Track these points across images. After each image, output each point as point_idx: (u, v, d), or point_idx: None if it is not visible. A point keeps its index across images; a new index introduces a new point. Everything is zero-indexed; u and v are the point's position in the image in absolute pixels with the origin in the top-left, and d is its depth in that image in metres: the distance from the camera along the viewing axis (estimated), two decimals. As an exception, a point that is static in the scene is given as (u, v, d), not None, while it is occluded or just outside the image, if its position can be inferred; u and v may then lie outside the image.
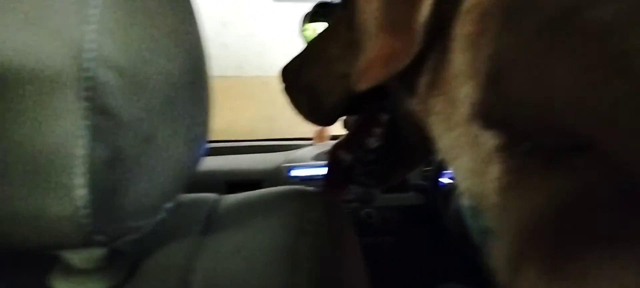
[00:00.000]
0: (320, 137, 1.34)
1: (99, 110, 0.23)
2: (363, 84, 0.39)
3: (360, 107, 0.55)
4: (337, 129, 0.74)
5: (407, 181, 1.11)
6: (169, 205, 0.30)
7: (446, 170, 1.05)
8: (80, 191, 0.23)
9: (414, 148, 0.56)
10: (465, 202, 0.92)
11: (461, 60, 0.32)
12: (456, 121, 0.35)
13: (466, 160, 0.35)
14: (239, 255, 0.34)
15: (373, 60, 0.37)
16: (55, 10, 0.22)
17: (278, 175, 1.08)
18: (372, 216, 1.10)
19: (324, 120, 0.55)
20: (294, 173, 1.09)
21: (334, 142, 0.61)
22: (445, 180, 1.07)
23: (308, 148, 1.24)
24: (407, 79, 0.38)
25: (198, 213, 0.40)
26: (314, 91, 0.52)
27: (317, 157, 1.14)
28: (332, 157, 0.58)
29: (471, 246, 0.90)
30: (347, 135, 0.59)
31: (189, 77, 0.28)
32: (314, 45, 0.55)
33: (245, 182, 1.01)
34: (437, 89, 0.36)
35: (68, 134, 0.22)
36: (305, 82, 0.53)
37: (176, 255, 0.34)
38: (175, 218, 0.38)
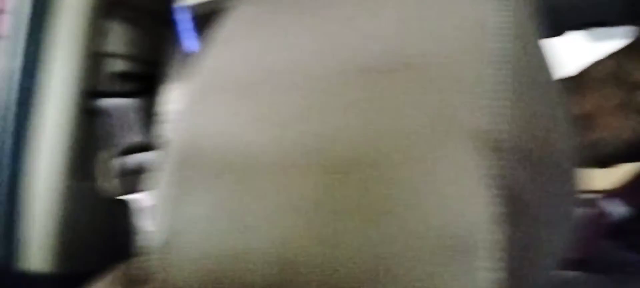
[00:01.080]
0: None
1: (504, 195, 0.23)
2: None
3: None
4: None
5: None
6: None
7: None
8: (486, 274, 0.23)
9: None
10: None
11: None
12: None
13: None
14: None
15: None
16: (456, 100, 0.23)
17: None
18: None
19: (602, 162, 0.45)
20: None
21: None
22: None
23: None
24: None
25: None
26: (589, 124, 0.43)
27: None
28: (595, 210, 0.47)
29: None
30: (623, 184, 0.48)
31: (571, 154, 0.28)
32: (593, 69, 0.44)
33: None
34: None
35: (476, 219, 0.23)
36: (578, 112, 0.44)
37: None
38: None
